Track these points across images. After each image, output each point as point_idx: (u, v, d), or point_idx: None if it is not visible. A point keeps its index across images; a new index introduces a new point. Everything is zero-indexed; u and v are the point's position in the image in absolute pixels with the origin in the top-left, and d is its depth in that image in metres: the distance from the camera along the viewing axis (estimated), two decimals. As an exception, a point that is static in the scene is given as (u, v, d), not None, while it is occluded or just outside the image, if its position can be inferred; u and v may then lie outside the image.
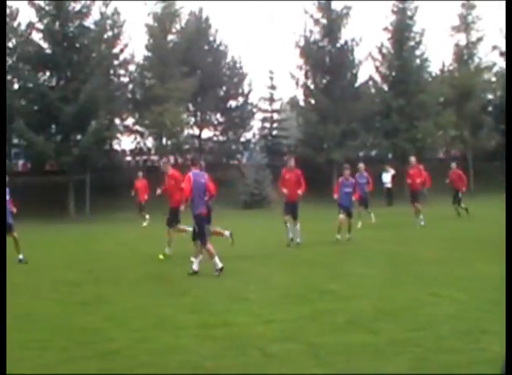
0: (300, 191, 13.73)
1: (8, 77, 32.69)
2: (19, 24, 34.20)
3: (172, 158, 12.06)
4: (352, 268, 10.41)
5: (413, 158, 19.11)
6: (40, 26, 31.32)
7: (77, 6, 31.22)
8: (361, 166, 18.84)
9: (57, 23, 30.77)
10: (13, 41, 33.40)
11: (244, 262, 11.47)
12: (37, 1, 30.63)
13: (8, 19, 33.59)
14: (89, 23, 32.18)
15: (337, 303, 7.44)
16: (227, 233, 12.13)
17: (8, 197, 12.05)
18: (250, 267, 10.87)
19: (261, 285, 9.02)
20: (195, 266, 9.91)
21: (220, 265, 9.73)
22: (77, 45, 31.28)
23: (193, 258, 10.07)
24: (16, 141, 33.47)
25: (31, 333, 6.50)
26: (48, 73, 31.91)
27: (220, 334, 6.14)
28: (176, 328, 6.46)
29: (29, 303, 8.23)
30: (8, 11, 33.70)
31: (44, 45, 31.67)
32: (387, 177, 28.84)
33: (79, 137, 30.81)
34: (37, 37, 31.99)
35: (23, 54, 31.80)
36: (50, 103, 28.95)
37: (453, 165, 21.52)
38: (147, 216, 21.90)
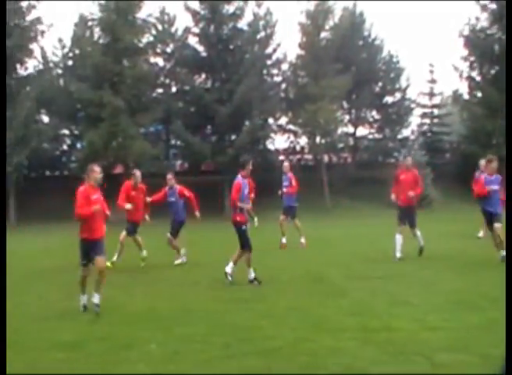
0: (412, 193, 11.93)
1: (167, 81, 34.93)
2: (176, 30, 36.30)
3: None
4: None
5: None
6: (196, 30, 33.02)
7: (231, 9, 32.47)
8: (490, 161, 12.18)
9: (212, 27, 32.24)
10: (171, 46, 35.52)
11: (406, 265, 11.13)
12: (193, 7, 32.30)
13: (166, 26, 35.85)
14: (242, 24, 33.34)
15: (513, 313, 6.91)
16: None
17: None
18: (412, 270, 10.52)
19: (424, 289, 8.68)
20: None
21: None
22: (231, 47, 32.53)
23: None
24: (173, 142, 35.61)
25: (193, 328, 6.81)
26: (203, 76, 33.56)
27: (382, 339, 5.98)
28: (337, 330, 6.40)
29: (189, 299, 8.65)
30: (166, 17, 35.94)
31: (200, 49, 33.34)
32: None
33: (233, 137, 31.99)
34: (193, 41, 33.76)
35: (180, 58, 33.71)
36: (206, 104, 30.42)
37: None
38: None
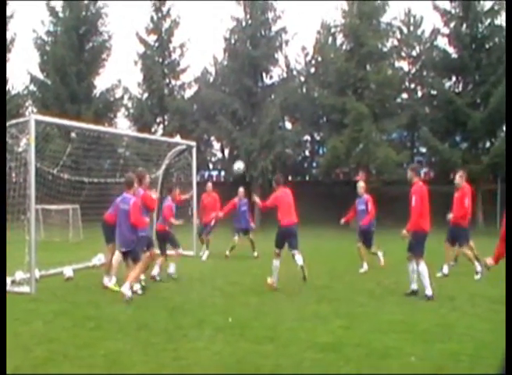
0: None
1: (412, 85, 34.29)
2: (422, 32, 35.43)
3: None
4: None
5: None
6: (445, 30, 31.73)
7: (487, 4, 30.52)
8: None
9: (464, 25, 30.70)
10: (417, 48, 34.76)
11: None
12: (442, 6, 31.10)
13: (412, 28, 35.24)
14: (500, 20, 31.15)
15: None
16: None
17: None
18: None
19: None
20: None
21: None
22: (487, 46, 30.59)
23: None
24: (418, 149, 34.77)
25: (456, 346, 6.51)
26: (453, 79, 32.12)
27: None
28: None
29: (446, 314, 8.24)
30: (411, 19, 35.37)
31: (450, 50, 31.98)
32: None
33: (488, 144, 30.16)
34: (441, 42, 32.56)
35: (427, 61, 32.79)
36: (456, 109, 29.02)
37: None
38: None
